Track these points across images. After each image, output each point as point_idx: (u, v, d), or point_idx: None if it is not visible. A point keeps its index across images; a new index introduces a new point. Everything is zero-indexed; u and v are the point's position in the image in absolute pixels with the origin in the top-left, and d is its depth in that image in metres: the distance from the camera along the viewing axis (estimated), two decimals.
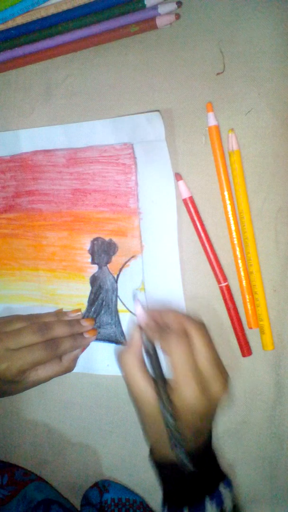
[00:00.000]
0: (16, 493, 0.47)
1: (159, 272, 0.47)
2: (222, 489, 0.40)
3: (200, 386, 0.38)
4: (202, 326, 0.41)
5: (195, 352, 0.39)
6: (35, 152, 0.50)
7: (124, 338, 0.48)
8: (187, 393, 0.37)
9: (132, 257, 0.48)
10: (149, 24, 0.45)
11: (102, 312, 0.49)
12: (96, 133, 0.47)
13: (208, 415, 0.39)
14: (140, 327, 0.42)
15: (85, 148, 0.48)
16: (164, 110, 0.46)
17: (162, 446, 0.39)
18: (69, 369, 0.46)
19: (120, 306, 0.49)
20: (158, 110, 0.45)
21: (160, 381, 0.39)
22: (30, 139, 0.50)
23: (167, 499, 0.41)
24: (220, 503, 0.39)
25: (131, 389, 0.40)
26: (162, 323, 0.42)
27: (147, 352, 0.41)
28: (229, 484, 0.41)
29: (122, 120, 0.46)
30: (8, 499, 0.46)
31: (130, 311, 0.48)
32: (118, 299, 0.48)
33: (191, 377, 0.38)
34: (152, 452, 0.42)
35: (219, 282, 0.45)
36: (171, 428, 0.37)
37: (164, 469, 0.40)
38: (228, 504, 0.39)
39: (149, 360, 0.41)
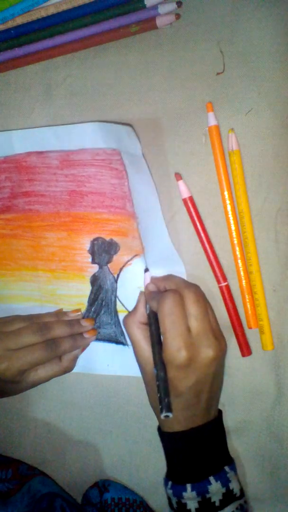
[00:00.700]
0: (20, 487, 0.47)
1: (162, 272, 0.47)
2: (228, 470, 0.40)
3: (187, 344, 0.38)
4: (195, 288, 0.41)
5: (186, 311, 0.39)
6: (29, 154, 0.49)
7: (124, 338, 0.48)
8: (172, 347, 0.38)
9: (136, 255, 0.47)
10: (149, 24, 0.45)
11: (102, 312, 0.49)
12: (87, 136, 0.47)
13: (201, 381, 0.39)
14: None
15: (78, 151, 0.48)
16: (164, 110, 0.46)
17: (177, 407, 0.39)
18: (69, 369, 0.46)
19: (119, 306, 0.49)
20: (129, 124, 0.46)
21: (156, 345, 0.40)
22: (22, 140, 0.49)
23: (171, 474, 0.42)
24: (226, 483, 0.39)
25: (134, 350, 0.43)
26: (162, 288, 0.43)
27: (148, 316, 0.42)
28: (234, 469, 0.41)
29: (108, 126, 0.46)
30: (13, 493, 0.47)
31: (129, 312, 0.48)
32: (117, 299, 0.48)
33: (176, 331, 0.38)
34: (159, 426, 0.43)
35: (219, 282, 0.45)
36: (159, 383, 0.38)
37: (170, 441, 0.41)
38: (235, 486, 0.40)
39: (149, 323, 0.42)
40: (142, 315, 0.43)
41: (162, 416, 0.37)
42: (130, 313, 0.44)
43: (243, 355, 0.45)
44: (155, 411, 0.43)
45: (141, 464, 0.49)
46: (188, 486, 0.39)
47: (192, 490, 0.39)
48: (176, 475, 0.41)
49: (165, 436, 0.42)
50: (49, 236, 0.50)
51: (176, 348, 0.38)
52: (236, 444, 0.46)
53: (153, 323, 0.41)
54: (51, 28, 0.48)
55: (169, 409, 0.37)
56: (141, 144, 0.46)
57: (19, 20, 0.48)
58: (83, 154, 0.48)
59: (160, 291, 0.43)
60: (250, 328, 0.45)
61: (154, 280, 0.45)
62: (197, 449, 0.40)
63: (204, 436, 0.40)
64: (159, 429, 0.43)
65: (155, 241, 0.47)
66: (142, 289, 0.46)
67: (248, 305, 0.44)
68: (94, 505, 0.48)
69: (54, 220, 0.50)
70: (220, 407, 0.45)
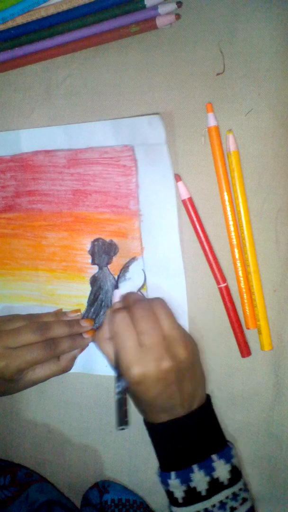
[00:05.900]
0: (18, 495, 0.47)
1: (161, 273, 0.47)
2: (215, 459, 0.40)
3: (137, 360, 0.39)
4: (144, 304, 0.42)
5: (136, 327, 0.40)
6: (36, 153, 0.50)
7: None
8: (124, 365, 0.39)
9: (132, 258, 0.48)
10: (149, 24, 0.45)
11: (102, 312, 0.49)
12: (97, 134, 0.47)
13: (167, 389, 0.40)
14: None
15: (86, 149, 0.48)
16: (164, 110, 0.46)
17: (152, 410, 0.41)
18: (67, 369, 0.46)
19: None
20: (158, 113, 0.45)
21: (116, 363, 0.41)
22: (30, 139, 0.50)
23: (159, 462, 0.43)
24: (209, 472, 0.40)
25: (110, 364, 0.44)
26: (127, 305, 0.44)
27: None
28: (225, 456, 0.41)
29: (122, 122, 0.46)
30: (11, 501, 0.46)
31: (98, 328, 0.48)
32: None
33: (125, 349, 0.39)
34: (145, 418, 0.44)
35: (218, 283, 0.45)
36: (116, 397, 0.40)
37: (154, 432, 0.43)
38: (221, 474, 0.40)
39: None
40: (107, 331, 0.44)
41: (117, 429, 0.40)
42: (98, 330, 0.45)
43: (243, 355, 0.45)
44: (140, 412, 0.44)
45: (141, 464, 0.49)
46: (172, 474, 0.40)
47: (176, 477, 0.40)
48: (162, 463, 0.42)
49: (148, 426, 0.43)
50: (50, 236, 0.50)
51: (126, 366, 0.39)
52: (235, 445, 0.46)
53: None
54: (51, 28, 0.48)
55: (123, 423, 0.40)
56: (165, 132, 0.45)
57: (19, 20, 0.48)
58: (91, 153, 0.48)
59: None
60: (248, 328, 0.44)
61: (121, 297, 0.46)
62: (180, 438, 0.41)
63: (187, 426, 0.41)
64: (145, 420, 0.44)
65: (160, 237, 0.46)
66: (142, 290, 0.47)
67: (246, 306, 0.44)
68: (94, 506, 0.48)
69: (56, 219, 0.50)
70: (219, 407, 0.45)
